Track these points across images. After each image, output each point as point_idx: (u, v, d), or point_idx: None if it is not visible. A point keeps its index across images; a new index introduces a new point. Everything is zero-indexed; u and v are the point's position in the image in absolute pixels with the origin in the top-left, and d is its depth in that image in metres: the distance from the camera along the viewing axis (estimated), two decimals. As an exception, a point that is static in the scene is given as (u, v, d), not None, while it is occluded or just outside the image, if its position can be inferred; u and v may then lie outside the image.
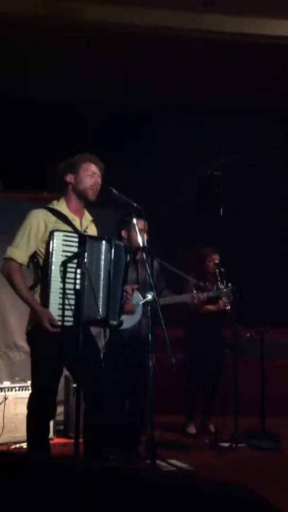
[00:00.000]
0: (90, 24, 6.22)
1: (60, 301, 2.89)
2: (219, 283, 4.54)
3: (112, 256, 3.08)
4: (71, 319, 2.89)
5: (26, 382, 4.47)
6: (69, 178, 3.13)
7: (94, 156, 3.21)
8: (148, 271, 3.37)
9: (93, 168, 3.16)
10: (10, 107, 7.52)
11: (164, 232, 6.24)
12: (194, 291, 4.19)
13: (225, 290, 4.47)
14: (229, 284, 4.51)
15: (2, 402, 4.32)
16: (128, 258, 3.25)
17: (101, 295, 3.03)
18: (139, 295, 3.79)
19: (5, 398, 4.35)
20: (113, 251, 3.09)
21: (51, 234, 2.95)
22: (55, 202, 3.16)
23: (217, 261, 4.72)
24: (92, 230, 3.24)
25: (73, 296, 2.90)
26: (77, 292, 2.87)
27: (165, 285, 4.17)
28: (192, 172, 8.15)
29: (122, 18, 6.20)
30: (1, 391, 4.38)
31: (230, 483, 1.11)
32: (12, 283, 3.00)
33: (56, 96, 7.67)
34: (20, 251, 2.99)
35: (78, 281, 2.87)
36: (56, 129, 7.47)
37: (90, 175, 3.14)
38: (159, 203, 7.25)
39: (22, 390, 4.43)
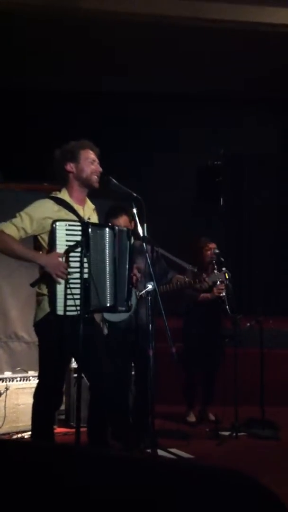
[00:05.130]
0: (89, 12, 6.17)
1: (68, 291, 2.89)
2: (215, 271, 4.55)
3: (117, 243, 3.08)
4: (78, 308, 2.88)
5: (27, 372, 4.50)
6: (70, 167, 3.11)
7: (90, 142, 3.20)
8: (148, 261, 3.38)
9: (92, 155, 3.15)
10: (10, 96, 7.49)
11: (164, 221, 6.23)
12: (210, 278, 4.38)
13: (216, 273, 4.46)
14: (223, 269, 4.50)
15: (3, 392, 4.34)
16: (132, 241, 3.26)
17: (107, 282, 3.04)
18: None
19: (7, 389, 4.37)
20: (117, 237, 3.09)
21: (53, 224, 2.93)
22: (57, 192, 3.15)
23: (217, 251, 4.72)
24: (94, 219, 3.24)
25: (79, 286, 2.89)
26: (83, 281, 2.87)
27: (167, 268, 4.21)
28: (191, 162, 8.10)
29: (121, 7, 6.15)
30: (3, 382, 4.40)
31: (230, 470, 1.12)
32: (7, 248, 2.94)
33: (56, 85, 7.63)
34: (13, 226, 2.96)
35: (83, 270, 2.87)
36: (56, 119, 7.44)
37: (91, 162, 3.13)
38: (158, 193, 7.24)
39: (23, 380, 4.45)
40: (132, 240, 3.31)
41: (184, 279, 4.27)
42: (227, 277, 4.47)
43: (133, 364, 4.12)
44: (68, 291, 2.89)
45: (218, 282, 4.50)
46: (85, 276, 2.87)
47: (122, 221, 3.81)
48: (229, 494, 1.08)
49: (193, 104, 8.08)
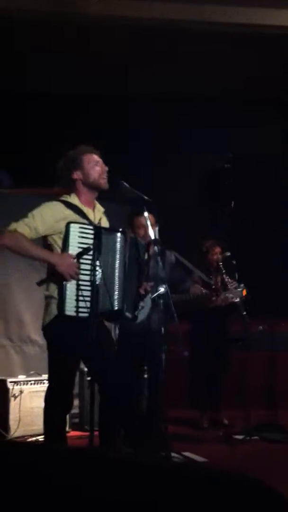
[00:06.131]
0: (92, 17, 6.21)
1: (78, 292, 2.91)
2: (224, 275, 4.55)
3: (127, 248, 3.10)
4: (87, 310, 2.89)
5: (41, 375, 4.53)
6: (76, 175, 3.15)
7: (90, 146, 3.23)
8: (160, 263, 3.38)
9: (95, 157, 3.18)
10: (19, 101, 7.53)
11: (168, 225, 6.20)
12: (226, 294, 4.40)
13: (235, 289, 4.46)
14: (241, 285, 4.50)
15: (18, 395, 4.37)
16: (146, 256, 3.26)
17: (116, 287, 3.04)
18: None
19: (21, 392, 4.40)
20: (128, 243, 3.11)
21: (67, 225, 2.96)
22: (66, 196, 3.18)
23: (228, 254, 4.72)
24: (104, 222, 3.26)
25: (89, 288, 2.90)
26: (93, 284, 2.87)
27: (186, 276, 4.19)
28: (191, 162, 8.04)
29: (125, 11, 6.18)
30: (17, 385, 4.43)
31: (242, 474, 1.13)
32: (20, 247, 2.96)
33: (63, 89, 7.66)
34: (26, 226, 2.98)
35: (93, 273, 2.87)
36: (66, 123, 7.47)
37: (95, 164, 3.16)
38: (162, 196, 7.19)
39: (37, 383, 4.48)
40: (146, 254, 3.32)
41: (201, 292, 4.26)
42: (244, 293, 4.46)
43: (145, 368, 4.12)
44: (78, 293, 2.90)
45: (234, 299, 4.49)
46: (96, 279, 2.88)
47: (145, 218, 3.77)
48: (240, 497, 1.09)
49: (193, 104, 8.06)
